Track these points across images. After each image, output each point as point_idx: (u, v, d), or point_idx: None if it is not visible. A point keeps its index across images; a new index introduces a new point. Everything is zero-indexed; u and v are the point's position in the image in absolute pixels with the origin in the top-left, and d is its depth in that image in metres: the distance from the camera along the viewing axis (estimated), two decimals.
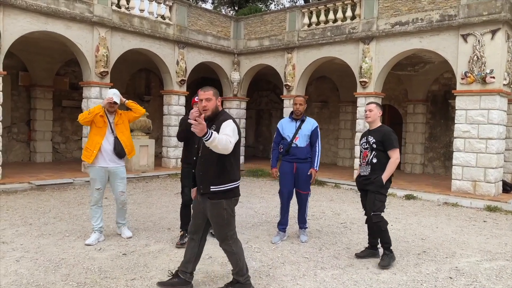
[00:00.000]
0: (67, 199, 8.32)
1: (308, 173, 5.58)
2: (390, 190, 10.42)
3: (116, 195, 5.46)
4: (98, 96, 11.02)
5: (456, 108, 9.98)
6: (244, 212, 7.69)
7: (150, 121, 12.47)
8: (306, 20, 13.10)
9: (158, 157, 14.08)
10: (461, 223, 7.36)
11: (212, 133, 3.06)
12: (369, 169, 4.69)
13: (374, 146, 4.66)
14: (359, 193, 5.09)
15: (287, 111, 13.29)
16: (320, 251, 5.38)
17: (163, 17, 12.76)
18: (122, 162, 5.36)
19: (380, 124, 4.82)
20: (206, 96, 3.45)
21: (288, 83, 13.21)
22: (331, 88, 16.80)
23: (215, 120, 3.56)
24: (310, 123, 5.62)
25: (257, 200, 8.99)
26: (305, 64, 12.91)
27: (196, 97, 4.47)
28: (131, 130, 12.44)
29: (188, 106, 17.98)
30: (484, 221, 7.60)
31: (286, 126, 5.70)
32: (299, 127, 5.59)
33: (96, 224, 5.34)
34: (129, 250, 5.09)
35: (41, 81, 13.42)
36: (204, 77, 17.38)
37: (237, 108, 15.02)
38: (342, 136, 16.14)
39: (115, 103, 5.20)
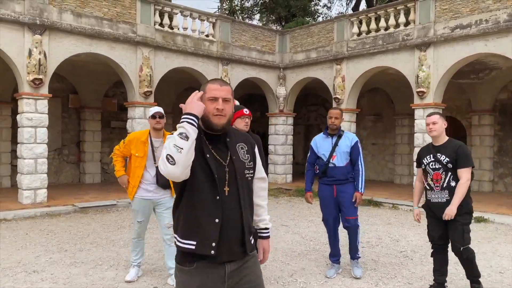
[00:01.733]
0: (107, 222, 8.08)
1: (353, 199, 4.80)
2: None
3: (163, 228, 4.58)
4: (142, 116, 10.89)
5: None
6: (290, 238, 7.01)
7: None
8: (355, 29, 12.36)
9: None
10: None
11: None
12: (447, 195, 3.92)
13: (450, 166, 3.90)
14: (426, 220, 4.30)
15: None
16: (377, 286, 4.59)
17: (206, 35, 12.56)
18: (168, 191, 4.53)
19: (448, 138, 4.06)
20: (225, 95, 2.08)
21: (337, 96, 12.45)
22: (385, 100, 15.79)
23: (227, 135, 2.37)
24: (349, 138, 4.86)
25: (305, 224, 8.26)
26: (356, 75, 12.11)
27: (245, 109, 4.06)
28: None
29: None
30: None
31: (320, 144, 4.95)
32: (336, 144, 4.83)
33: (135, 259, 4.73)
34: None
35: (90, 103, 13.63)
36: (250, 93, 17.02)
37: (283, 124, 14.43)
38: (398, 151, 15.01)
39: (161, 117, 4.36)
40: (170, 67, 11.53)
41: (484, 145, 12.86)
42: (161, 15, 11.65)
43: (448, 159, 3.89)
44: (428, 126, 4.03)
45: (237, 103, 4.05)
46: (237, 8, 22.35)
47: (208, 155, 2.03)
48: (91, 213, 9.05)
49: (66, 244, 6.38)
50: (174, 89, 15.51)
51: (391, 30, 11.45)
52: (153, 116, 4.36)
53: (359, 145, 4.85)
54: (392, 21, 11.45)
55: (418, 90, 10.52)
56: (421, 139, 10.62)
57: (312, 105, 18.50)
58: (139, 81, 10.81)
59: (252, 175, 2.19)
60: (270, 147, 14.66)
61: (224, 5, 20.50)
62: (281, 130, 14.38)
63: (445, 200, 3.92)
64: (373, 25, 11.98)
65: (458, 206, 3.84)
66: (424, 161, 4.07)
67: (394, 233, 7.51)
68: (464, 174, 3.86)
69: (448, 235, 4.05)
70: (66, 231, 7.26)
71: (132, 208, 4.64)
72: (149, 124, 4.48)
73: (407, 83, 11.50)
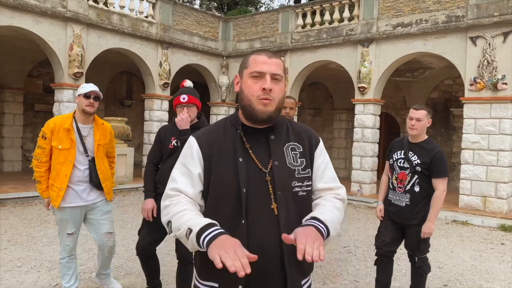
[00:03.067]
0: (29, 217, 7.25)
1: None
2: (376, 204, 9.48)
3: (100, 238, 3.61)
4: (70, 100, 9.95)
5: (464, 116, 9.17)
6: None
7: (129, 128, 11.42)
8: (300, 21, 12.25)
9: (139, 167, 13.01)
10: (477, 246, 6.50)
11: None
12: (407, 200, 3.47)
13: (419, 169, 3.40)
14: (379, 221, 3.81)
15: None
16: (324, 285, 4.44)
17: (146, 16, 11.78)
18: (102, 192, 3.57)
19: (427, 137, 3.52)
20: (274, 69, 1.54)
21: None
22: (324, 95, 15.97)
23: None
24: None
25: None
26: (299, 68, 12.03)
27: (182, 96, 3.28)
28: None
29: (172, 112, 16.88)
30: (502, 244, 6.77)
31: None
32: None
33: (69, 286, 3.56)
34: None
35: (10, 83, 12.27)
36: (191, 81, 16.37)
37: (225, 114, 14.04)
38: (336, 145, 15.29)
39: (96, 98, 3.36)
40: (105, 47, 10.65)
41: None
42: None
43: (418, 161, 3.39)
44: (410, 122, 3.43)
45: (188, 83, 3.47)
46: None
47: (241, 159, 1.51)
48: (9, 205, 8.11)
49: None
50: (108, 72, 14.50)
51: (336, 24, 11.48)
52: (87, 96, 3.32)
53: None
54: (336, 15, 11.47)
55: (360, 85, 10.65)
56: (360, 134, 10.79)
57: None
58: (69, 61, 9.84)
59: (308, 188, 1.59)
60: None
61: None
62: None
63: (404, 204, 3.48)
64: (317, 18, 11.93)
65: (415, 211, 3.44)
66: (394, 156, 3.58)
67: None
68: (440, 184, 3.39)
69: (404, 242, 3.66)
70: None
71: (58, 217, 3.50)
72: (77, 105, 3.44)
73: (347, 78, 11.62)
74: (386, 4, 10.43)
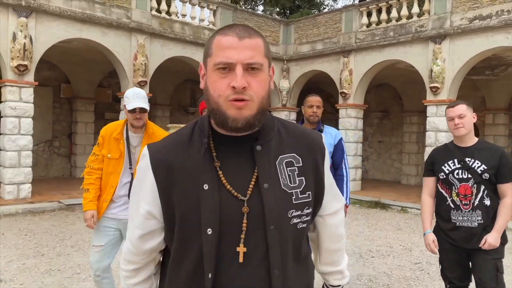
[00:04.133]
0: None
1: None
2: None
3: None
4: None
5: None
6: None
7: None
8: (364, 20, 11.64)
9: None
10: None
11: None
12: (479, 217, 2.77)
13: (486, 176, 2.74)
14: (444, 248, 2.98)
15: (343, 122, 11.83)
16: None
17: (207, 23, 11.87)
18: None
19: (477, 139, 2.90)
20: (249, 56, 1.03)
21: (344, 91, 11.76)
22: (393, 97, 15.08)
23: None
24: (332, 135, 3.68)
25: None
26: (364, 69, 11.41)
27: None
28: None
29: None
30: None
31: None
32: None
33: None
34: None
35: (83, 93, 12.95)
36: None
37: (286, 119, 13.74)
38: (406, 150, 14.32)
39: (142, 110, 3.04)
40: (167, 56, 10.84)
41: (498, 144, 12.16)
42: (158, 1, 10.94)
43: (485, 167, 2.74)
44: (452, 122, 2.82)
45: None
46: None
47: (206, 186, 1.05)
48: (78, 210, 8.42)
49: (45, 247, 5.77)
50: (173, 81, 14.83)
51: (403, 21, 10.74)
52: (132, 111, 3.04)
53: (343, 143, 3.74)
54: (404, 11, 10.73)
55: (432, 85, 9.82)
56: (433, 138, 9.95)
57: None
58: (133, 70, 10.12)
59: (309, 218, 1.15)
60: None
61: None
62: None
63: (476, 224, 2.77)
64: (383, 16, 11.26)
65: (487, 230, 2.77)
66: (445, 169, 2.86)
67: (406, 240, 6.86)
68: (510, 190, 2.75)
69: (472, 273, 2.90)
70: (47, 232, 6.63)
71: (96, 228, 3.22)
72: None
73: (416, 78, 10.81)
74: None
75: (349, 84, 11.68)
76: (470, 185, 2.77)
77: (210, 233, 1.03)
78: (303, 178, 1.12)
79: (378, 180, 15.12)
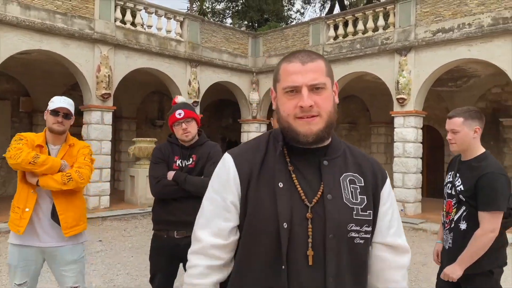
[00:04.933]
0: None
1: None
2: (427, 225, 8.66)
3: None
4: (99, 121, 9.83)
5: None
6: None
7: None
8: (331, 33, 11.74)
9: None
10: None
11: None
12: (450, 240, 2.54)
13: (463, 197, 2.46)
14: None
15: None
16: None
17: (174, 34, 11.66)
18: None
19: (483, 151, 2.52)
20: (312, 79, 1.19)
21: None
22: (360, 109, 15.26)
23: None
24: None
25: None
26: None
27: (178, 112, 2.86)
28: (138, 158, 11.37)
29: (208, 131, 16.42)
30: None
31: None
32: None
33: None
34: None
35: (43, 107, 12.24)
36: (221, 99, 16.17)
37: (256, 132, 13.63)
38: None
39: (66, 116, 2.75)
40: (132, 67, 10.53)
41: None
42: (123, 12, 10.66)
43: (462, 188, 2.47)
44: (448, 135, 2.60)
45: (180, 98, 3.07)
46: (207, 10, 21.51)
47: (281, 184, 1.18)
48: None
49: None
50: (139, 93, 14.47)
51: (370, 33, 10.89)
52: (55, 112, 2.72)
53: None
54: (370, 24, 10.89)
55: (398, 97, 9.95)
56: (401, 149, 10.04)
57: None
58: (96, 82, 9.75)
59: (367, 235, 1.21)
60: None
61: (194, 6, 19.61)
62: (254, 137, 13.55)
63: (447, 247, 2.56)
64: (350, 29, 11.39)
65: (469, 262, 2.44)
66: (446, 180, 2.69)
67: None
68: (486, 220, 2.35)
69: None
70: None
71: (7, 261, 2.80)
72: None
73: (383, 90, 10.95)
74: (424, 9, 9.76)
75: None
76: (453, 202, 2.55)
77: (285, 227, 1.14)
78: (364, 197, 1.23)
79: None
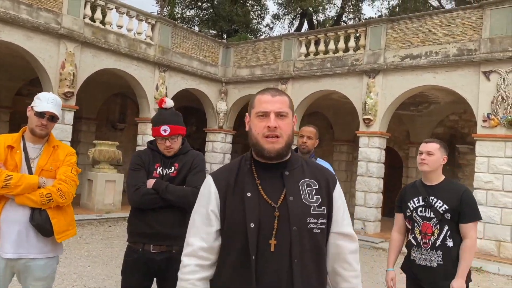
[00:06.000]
0: None
1: None
2: (386, 245, 8.78)
3: None
4: (60, 121, 9.33)
5: (477, 154, 8.67)
6: None
7: (120, 153, 10.76)
8: (303, 49, 11.89)
9: None
10: None
11: None
12: (439, 258, 2.75)
13: (448, 216, 2.74)
14: (404, 276, 3.00)
15: None
16: None
17: (144, 37, 11.36)
18: (45, 245, 2.56)
19: (444, 177, 2.92)
20: (279, 108, 1.58)
21: None
22: (324, 126, 15.46)
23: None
24: None
25: None
26: (301, 97, 11.57)
27: (163, 128, 2.68)
28: (97, 162, 10.87)
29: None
30: None
31: None
32: None
33: None
34: None
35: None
36: (186, 106, 15.89)
37: (222, 142, 13.48)
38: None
39: (52, 119, 2.58)
40: (99, 67, 10.12)
41: (419, 177, 12.79)
42: (93, 9, 10.27)
43: (446, 207, 2.74)
44: (420, 156, 2.89)
45: (168, 102, 2.83)
46: (177, 16, 21.25)
47: (249, 193, 1.52)
48: None
49: None
50: (101, 93, 13.95)
51: (340, 53, 11.11)
52: (40, 114, 2.53)
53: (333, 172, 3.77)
54: (341, 44, 11.12)
55: (365, 117, 10.17)
56: (364, 168, 10.24)
57: None
58: (59, 79, 9.27)
59: (323, 226, 1.55)
60: (206, 166, 13.55)
61: (164, 11, 19.30)
62: (219, 148, 13.39)
63: (435, 264, 2.75)
64: (321, 47, 11.59)
65: (451, 272, 2.72)
66: (410, 205, 2.88)
67: None
68: (473, 231, 2.74)
69: None
70: None
71: None
72: (28, 120, 2.60)
73: (348, 109, 11.18)
74: (394, 34, 10.10)
75: None
76: (432, 224, 2.77)
77: (252, 226, 1.47)
78: (319, 196, 1.56)
79: None
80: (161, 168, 2.72)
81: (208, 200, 1.57)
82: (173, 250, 2.63)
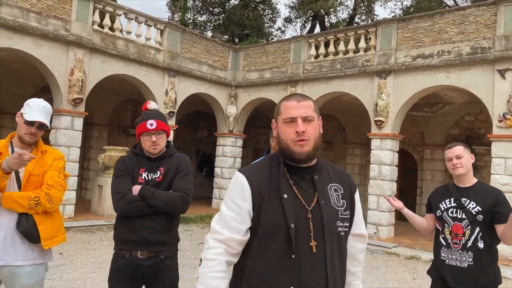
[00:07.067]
0: None
1: None
2: (399, 250, 8.61)
3: None
4: (69, 127, 9.40)
5: (493, 155, 8.38)
6: None
7: None
8: (313, 51, 11.74)
9: None
10: None
11: None
12: (470, 259, 2.77)
13: (480, 217, 2.75)
14: (431, 281, 3.03)
15: None
16: None
17: (153, 42, 11.39)
18: (32, 251, 2.51)
19: (477, 180, 2.92)
20: (305, 112, 1.62)
21: None
22: (336, 128, 15.27)
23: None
24: None
25: None
26: None
27: (150, 122, 2.64)
28: (108, 167, 10.88)
29: (182, 143, 16.13)
30: None
31: None
32: None
33: None
34: None
35: (10, 108, 11.75)
36: (197, 111, 15.89)
37: (232, 146, 13.41)
38: None
39: (42, 127, 2.56)
40: (108, 73, 10.17)
41: (435, 180, 12.55)
42: (102, 15, 10.34)
43: (479, 208, 2.75)
44: (450, 162, 2.89)
45: (153, 104, 2.84)
46: (189, 21, 21.34)
47: (286, 195, 1.57)
48: None
49: None
50: (113, 100, 14.04)
51: (350, 54, 10.93)
52: (30, 122, 2.51)
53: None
54: (351, 45, 10.94)
55: (377, 119, 9.96)
56: (377, 171, 10.01)
57: (263, 128, 17.66)
58: (69, 86, 9.34)
59: (347, 229, 1.65)
60: (217, 170, 13.53)
61: (175, 16, 19.40)
62: (229, 151, 13.32)
63: (466, 265, 2.76)
64: (331, 49, 11.42)
65: (481, 273, 2.73)
66: (441, 206, 2.92)
67: None
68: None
69: None
70: None
71: None
72: (17, 126, 2.58)
73: (360, 111, 10.98)
74: (405, 34, 9.88)
75: None
76: (463, 225, 2.82)
77: (293, 227, 1.52)
78: (344, 201, 1.65)
79: None
80: (146, 173, 2.66)
81: (242, 198, 1.59)
82: (161, 255, 2.59)
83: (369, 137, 10.35)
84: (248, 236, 1.58)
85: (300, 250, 1.52)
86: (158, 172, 2.66)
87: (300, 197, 1.57)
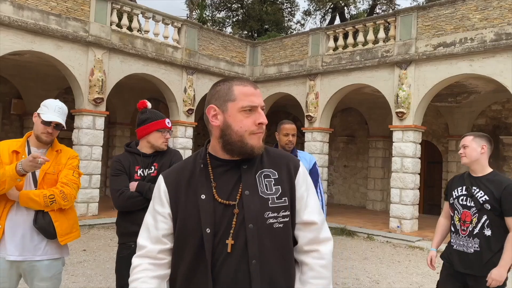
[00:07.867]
0: None
1: None
2: (423, 243, 8.41)
3: None
4: (90, 126, 9.58)
5: None
6: None
7: None
8: (331, 44, 11.57)
9: None
10: None
11: None
12: (477, 245, 2.85)
13: (488, 207, 2.83)
14: (442, 267, 3.09)
15: (308, 145, 11.57)
16: None
17: (171, 40, 11.47)
18: (50, 247, 2.61)
19: (491, 170, 2.98)
20: (261, 101, 1.50)
21: (310, 114, 11.54)
22: (358, 121, 15.06)
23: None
24: (306, 160, 3.62)
25: None
26: (330, 92, 11.27)
27: (167, 120, 2.91)
28: None
29: (198, 139, 16.20)
30: None
31: None
32: None
33: None
34: None
35: (35, 109, 12.00)
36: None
37: None
38: (372, 175, 14.20)
39: (58, 127, 2.66)
40: (127, 72, 10.30)
41: (460, 171, 12.10)
42: (120, 15, 10.47)
43: (486, 197, 2.83)
44: (460, 150, 3.05)
45: (149, 103, 3.00)
46: (207, 18, 21.40)
47: (203, 196, 1.40)
48: None
49: None
50: (134, 98, 14.17)
51: (370, 45, 10.72)
52: (46, 122, 2.61)
53: (317, 167, 3.70)
54: (370, 36, 10.72)
55: (398, 110, 9.74)
56: (399, 164, 9.80)
57: None
58: (89, 86, 9.52)
59: (285, 219, 1.41)
60: None
61: (193, 14, 19.49)
62: None
63: (472, 251, 2.85)
64: (350, 40, 11.23)
65: (487, 259, 2.78)
66: (454, 193, 3.03)
67: (373, 271, 6.51)
68: None
69: None
70: None
71: None
72: (34, 126, 2.69)
73: (382, 103, 10.76)
74: (426, 23, 9.61)
75: (315, 108, 11.48)
76: (471, 213, 2.90)
77: (208, 232, 1.35)
78: (279, 187, 1.42)
79: (343, 205, 14.91)
80: (141, 169, 2.81)
81: (159, 202, 1.46)
82: None
83: (391, 129, 10.14)
84: (168, 245, 1.45)
85: (218, 252, 1.35)
86: (153, 167, 2.82)
87: (217, 197, 1.39)
